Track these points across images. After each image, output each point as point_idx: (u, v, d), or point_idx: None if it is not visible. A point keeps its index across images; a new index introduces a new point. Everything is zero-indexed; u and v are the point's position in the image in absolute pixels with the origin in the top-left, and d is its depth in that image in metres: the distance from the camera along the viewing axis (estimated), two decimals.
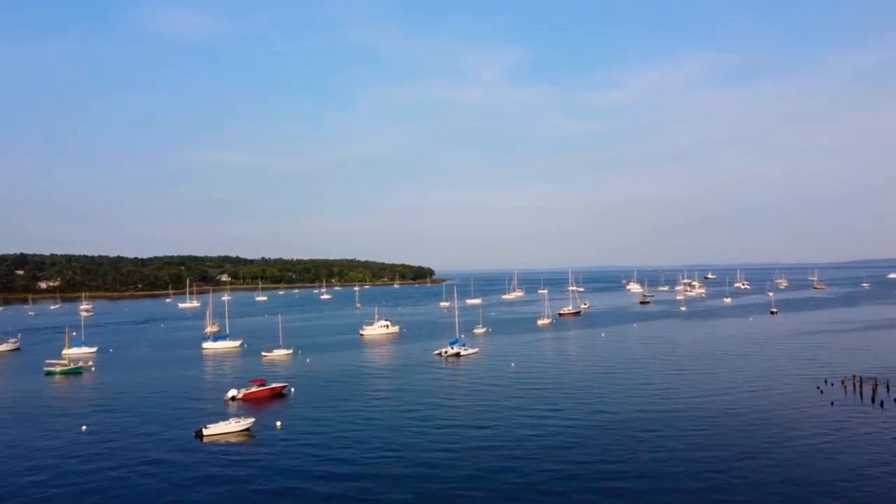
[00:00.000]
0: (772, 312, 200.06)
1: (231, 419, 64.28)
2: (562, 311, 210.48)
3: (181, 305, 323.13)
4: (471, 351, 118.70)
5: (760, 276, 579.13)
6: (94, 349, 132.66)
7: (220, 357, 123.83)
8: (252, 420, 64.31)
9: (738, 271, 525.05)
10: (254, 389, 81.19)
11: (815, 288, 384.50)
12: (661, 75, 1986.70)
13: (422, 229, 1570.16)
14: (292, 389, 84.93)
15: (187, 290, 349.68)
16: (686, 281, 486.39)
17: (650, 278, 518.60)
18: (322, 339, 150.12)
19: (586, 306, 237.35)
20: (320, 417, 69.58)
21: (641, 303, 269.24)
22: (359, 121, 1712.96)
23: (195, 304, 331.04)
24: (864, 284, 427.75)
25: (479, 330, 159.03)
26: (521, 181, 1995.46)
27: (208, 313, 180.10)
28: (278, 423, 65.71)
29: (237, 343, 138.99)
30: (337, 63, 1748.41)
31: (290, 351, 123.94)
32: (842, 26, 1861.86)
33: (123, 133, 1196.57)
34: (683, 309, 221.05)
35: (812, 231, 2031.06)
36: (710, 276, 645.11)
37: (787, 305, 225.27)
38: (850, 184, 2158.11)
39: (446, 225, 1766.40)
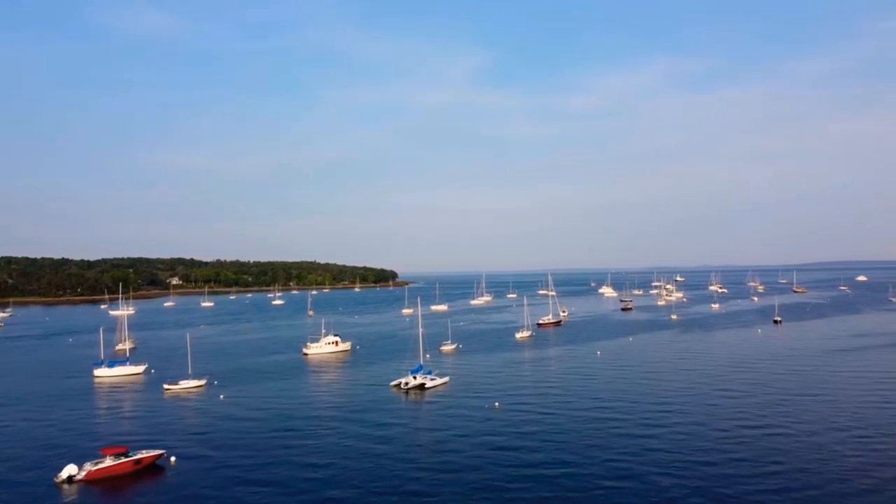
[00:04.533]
0: (775, 321, 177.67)
1: None
2: (541, 321, 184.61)
3: (113, 313, 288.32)
4: (439, 381, 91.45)
5: (728, 279, 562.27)
6: None
7: (111, 390, 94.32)
8: None
9: (713, 274, 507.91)
10: (106, 464, 52.67)
11: (794, 291, 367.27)
12: (625, 80, 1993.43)
13: (387, 231, 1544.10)
14: (172, 459, 56.43)
15: (121, 295, 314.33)
16: (659, 283, 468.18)
17: (618, 281, 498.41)
18: (253, 361, 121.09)
19: (565, 314, 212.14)
20: None
21: (623, 309, 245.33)
22: (325, 122, 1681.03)
23: (130, 310, 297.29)
24: (843, 287, 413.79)
25: (448, 347, 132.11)
26: (486, 184, 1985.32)
27: (121, 325, 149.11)
28: None
29: (139, 369, 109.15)
30: (303, 65, 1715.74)
31: (203, 382, 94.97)
32: (801, 34, 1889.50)
33: (83, 133, 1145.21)
34: (675, 317, 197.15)
35: (770, 234, 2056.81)
36: (678, 278, 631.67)
37: (786, 313, 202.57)
38: (806, 188, 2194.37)
39: (412, 226, 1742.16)
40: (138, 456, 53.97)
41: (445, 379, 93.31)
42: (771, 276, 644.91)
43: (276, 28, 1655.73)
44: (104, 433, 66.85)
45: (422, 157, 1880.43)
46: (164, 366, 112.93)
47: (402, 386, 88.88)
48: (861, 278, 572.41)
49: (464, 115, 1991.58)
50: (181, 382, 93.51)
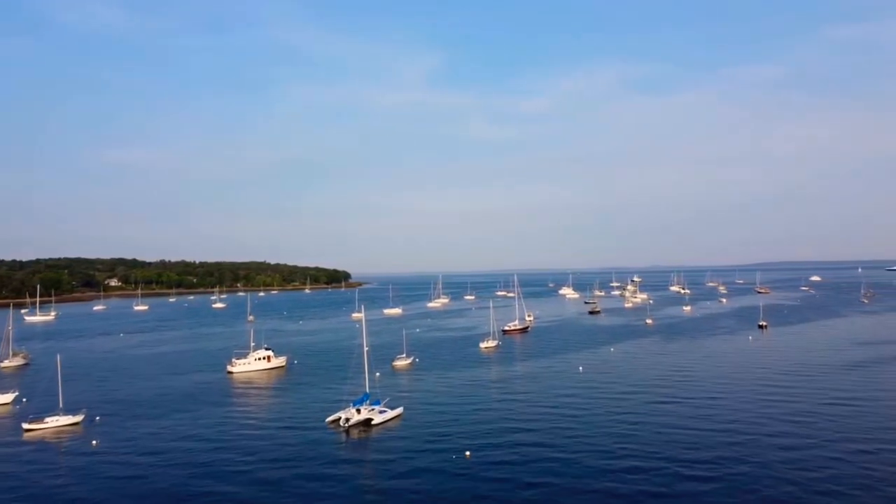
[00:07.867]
0: (760, 326, 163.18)
1: None
2: (506, 328, 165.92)
3: (29, 319, 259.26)
4: (390, 415, 71.06)
5: (686, 280, 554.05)
6: None
7: None
8: None
9: (674, 275, 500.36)
10: None
11: (758, 292, 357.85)
12: (578, 83, 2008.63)
13: (342, 231, 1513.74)
14: None
15: (38, 298, 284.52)
16: (619, 284, 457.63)
17: (575, 282, 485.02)
18: (160, 384, 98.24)
19: (531, 318, 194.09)
20: None
21: (591, 312, 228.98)
22: (282, 122, 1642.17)
23: (50, 316, 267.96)
24: (805, 288, 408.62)
25: (402, 362, 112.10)
26: (442, 185, 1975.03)
27: (7, 336, 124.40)
28: None
29: (7, 398, 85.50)
30: (258, 64, 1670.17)
31: (79, 418, 72.49)
32: (752, 40, 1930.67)
33: (25, 130, 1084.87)
34: (650, 322, 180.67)
35: (721, 235, 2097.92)
36: (636, 279, 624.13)
37: (766, 316, 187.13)
38: (754, 191, 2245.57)
39: (366, 227, 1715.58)
40: None
41: (398, 411, 73.02)
42: (726, 276, 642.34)
43: (232, 25, 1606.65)
44: None
45: (379, 158, 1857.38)
46: (45, 392, 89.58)
47: (341, 423, 68.24)
48: (815, 278, 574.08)
49: (421, 116, 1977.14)
50: (48, 420, 70.86)
